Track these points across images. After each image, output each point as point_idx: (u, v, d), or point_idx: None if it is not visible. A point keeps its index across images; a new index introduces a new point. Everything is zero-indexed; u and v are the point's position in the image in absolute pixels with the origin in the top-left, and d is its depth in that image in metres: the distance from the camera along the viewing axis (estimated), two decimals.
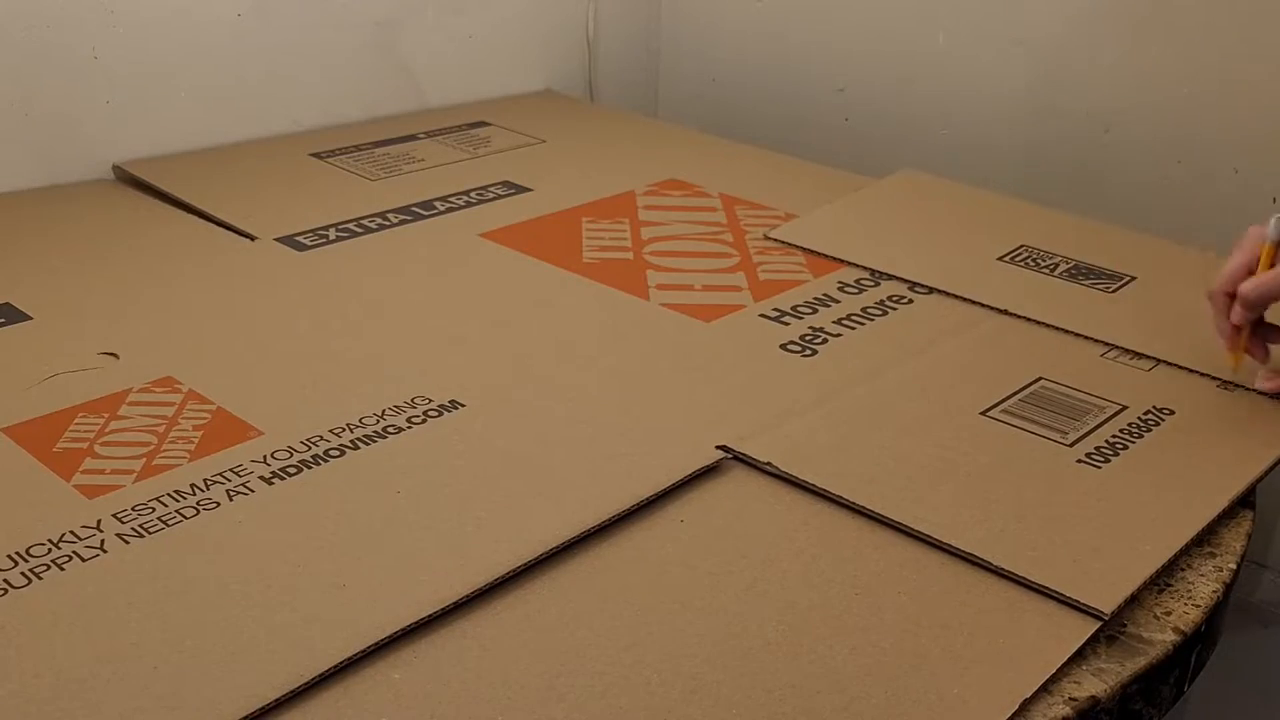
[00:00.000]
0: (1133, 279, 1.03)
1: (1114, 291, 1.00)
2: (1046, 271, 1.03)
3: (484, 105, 1.56)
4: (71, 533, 0.67)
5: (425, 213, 1.18)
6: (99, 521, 0.69)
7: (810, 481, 0.75)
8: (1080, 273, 1.04)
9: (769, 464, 0.76)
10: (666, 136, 1.48)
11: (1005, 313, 0.96)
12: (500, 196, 1.23)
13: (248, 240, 1.10)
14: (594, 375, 0.88)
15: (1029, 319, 0.96)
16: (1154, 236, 1.13)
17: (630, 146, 1.42)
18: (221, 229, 1.13)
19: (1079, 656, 0.62)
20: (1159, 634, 0.65)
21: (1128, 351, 0.91)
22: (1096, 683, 0.61)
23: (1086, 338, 0.93)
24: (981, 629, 0.63)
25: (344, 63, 1.43)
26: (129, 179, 1.24)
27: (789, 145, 1.49)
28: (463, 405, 0.82)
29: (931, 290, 1.01)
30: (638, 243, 1.12)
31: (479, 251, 1.09)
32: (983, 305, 0.98)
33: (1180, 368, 0.88)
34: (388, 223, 1.15)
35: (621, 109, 1.70)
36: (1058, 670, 0.61)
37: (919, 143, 1.51)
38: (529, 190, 1.25)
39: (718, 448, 0.78)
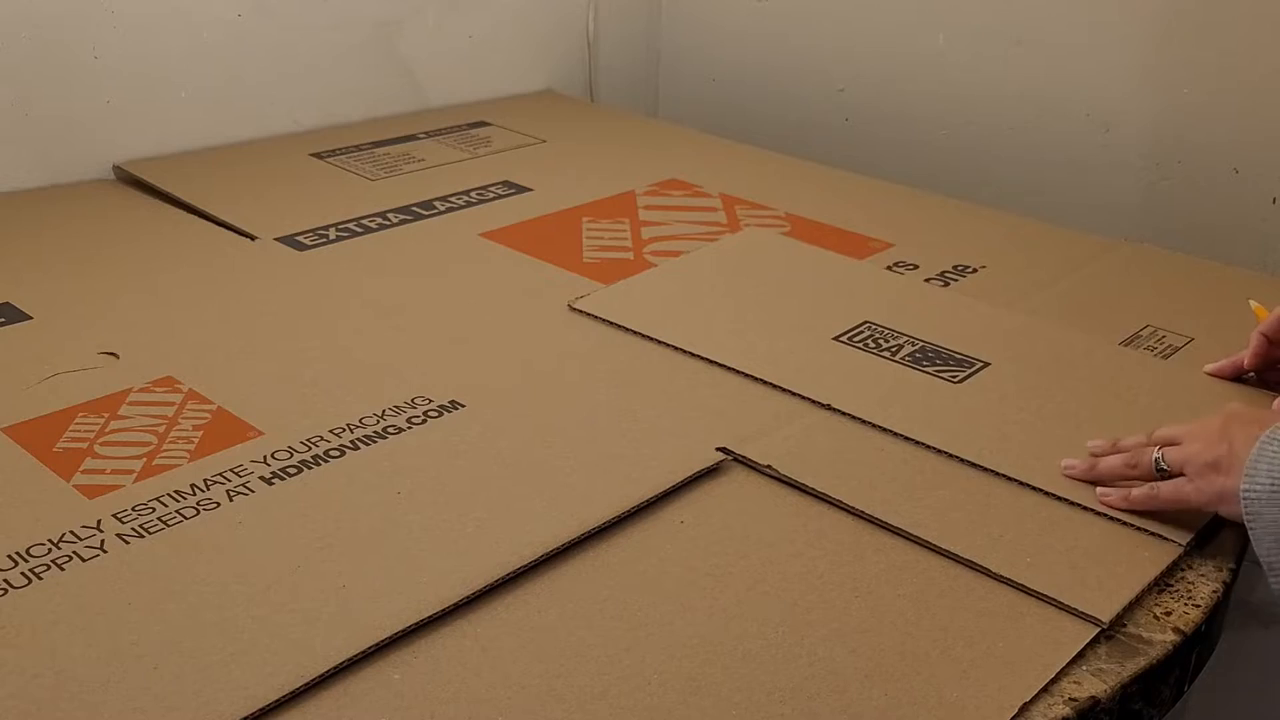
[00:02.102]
0: (985, 365, 0.89)
1: (960, 381, 0.87)
2: (887, 355, 0.90)
3: (484, 105, 1.56)
4: (71, 533, 0.67)
5: (425, 213, 1.18)
6: (99, 521, 0.69)
7: (810, 485, 0.75)
8: (925, 357, 0.90)
9: (769, 467, 0.76)
10: (666, 136, 1.48)
11: (828, 407, 0.84)
12: (500, 196, 1.23)
13: (248, 240, 1.10)
14: (594, 376, 0.88)
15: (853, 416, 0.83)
16: (1012, 311, 0.99)
17: (630, 146, 1.42)
18: (222, 229, 1.13)
19: (1079, 657, 0.62)
20: (1159, 634, 0.65)
21: (964, 462, 0.78)
22: (1096, 683, 0.61)
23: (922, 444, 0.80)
24: (981, 632, 0.63)
25: (344, 63, 1.43)
26: (129, 179, 1.24)
27: (789, 145, 1.49)
28: (463, 406, 0.82)
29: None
30: (638, 243, 1.12)
31: (479, 251, 1.09)
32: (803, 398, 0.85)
33: (1027, 485, 0.75)
34: (388, 223, 1.15)
35: (621, 109, 1.70)
36: (1058, 670, 0.61)
37: (919, 143, 1.51)
38: (529, 190, 1.25)
39: (718, 449, 0.78)
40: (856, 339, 0.93)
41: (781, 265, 1.07)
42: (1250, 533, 0.66)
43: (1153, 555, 0.70)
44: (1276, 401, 0.83)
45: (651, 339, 0.93)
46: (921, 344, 0.92)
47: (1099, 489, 0.74)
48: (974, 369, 0.88)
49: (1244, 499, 0.66)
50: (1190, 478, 0.70)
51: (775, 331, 0.94)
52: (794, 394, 0.85)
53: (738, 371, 0.88)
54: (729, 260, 1.09)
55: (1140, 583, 0.67)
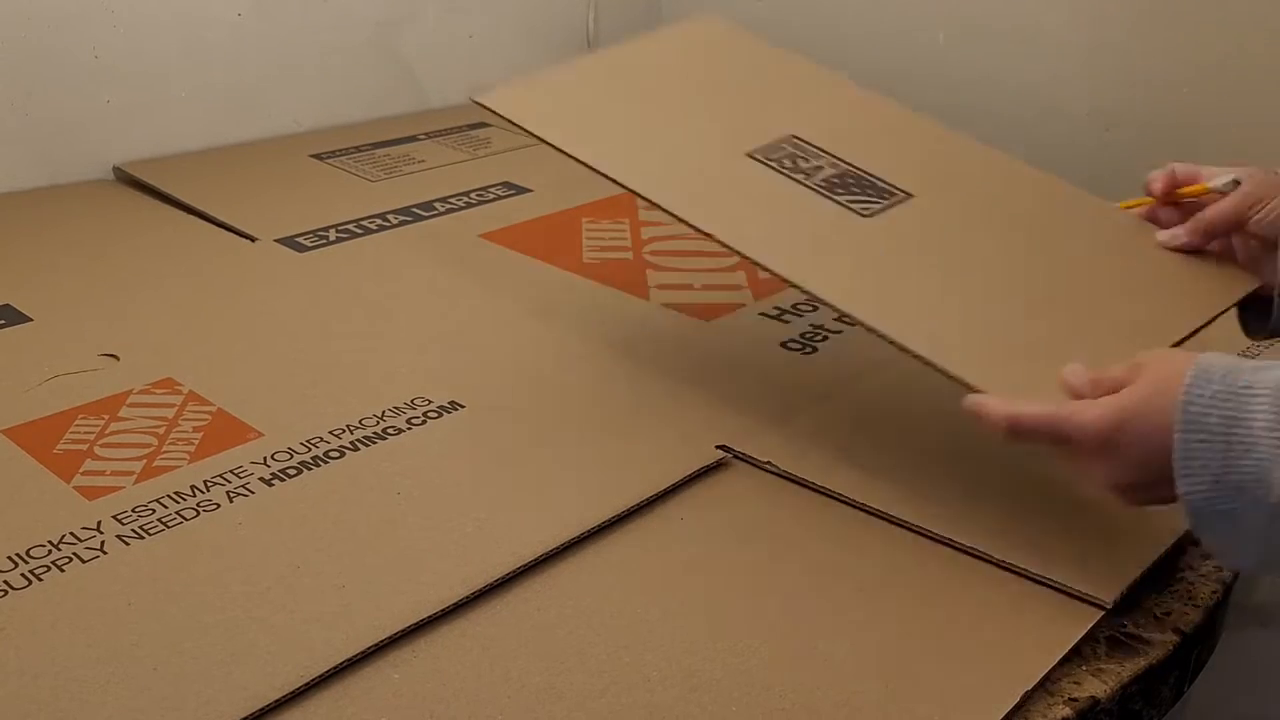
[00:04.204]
0: (907, 196, 0.79)
1: (870, 216, 0.77)
2: (800, 179, 0.79)
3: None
4: (71, 534, 0.67)
5: (425, 213, 1.18)
6: (99, 523, 0.69)
7: (810, 480, 0.75)
8: (841, 184, 0.79)
9: (769, 463, 0.76)
10: None
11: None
12: (500, 197, 1.23)
13: (248, 241, 1.10)
14: (594, 375, 0.88)
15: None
16: (975, 142, 0.88)
17: None
18: (221, 229, 1.13)
19: (1079, 657, 0.62)
20: (1159, 634, 0.65)
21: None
22: (1096, 683, 0.61)
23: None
24: (982, 624, 0.63)
25: (344, 63, 1.43)
26: (129, 179, 1.24)
27: None
28: (462, 406, 0.82)
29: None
30: (638, 242, 1.12)
31: (479, 252, 1.09)
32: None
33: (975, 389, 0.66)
34: (388, 223, 1.15)
35: None
36: (1058, 670, 0.61)
37: None
38: (529, 190, 1.25)
39: (718, 447, 0.78)
40: (773, 156, 0.81)
41: (721, 62, 0.93)
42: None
43: (1154, 538, 0.69)
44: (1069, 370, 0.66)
45: (550, 145, 0.82)
46: (844, 168, 0.81)
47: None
48: (892, 201, 0.79)
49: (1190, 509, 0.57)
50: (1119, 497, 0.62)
51: (689, 143, 0.83)
52: (683, 221, 0.75)
53: (634, 192, 0.78)
54: (665, 55, 0.93)
55: (1142, 564, 0.67)
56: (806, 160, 0.81)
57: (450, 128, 1.45)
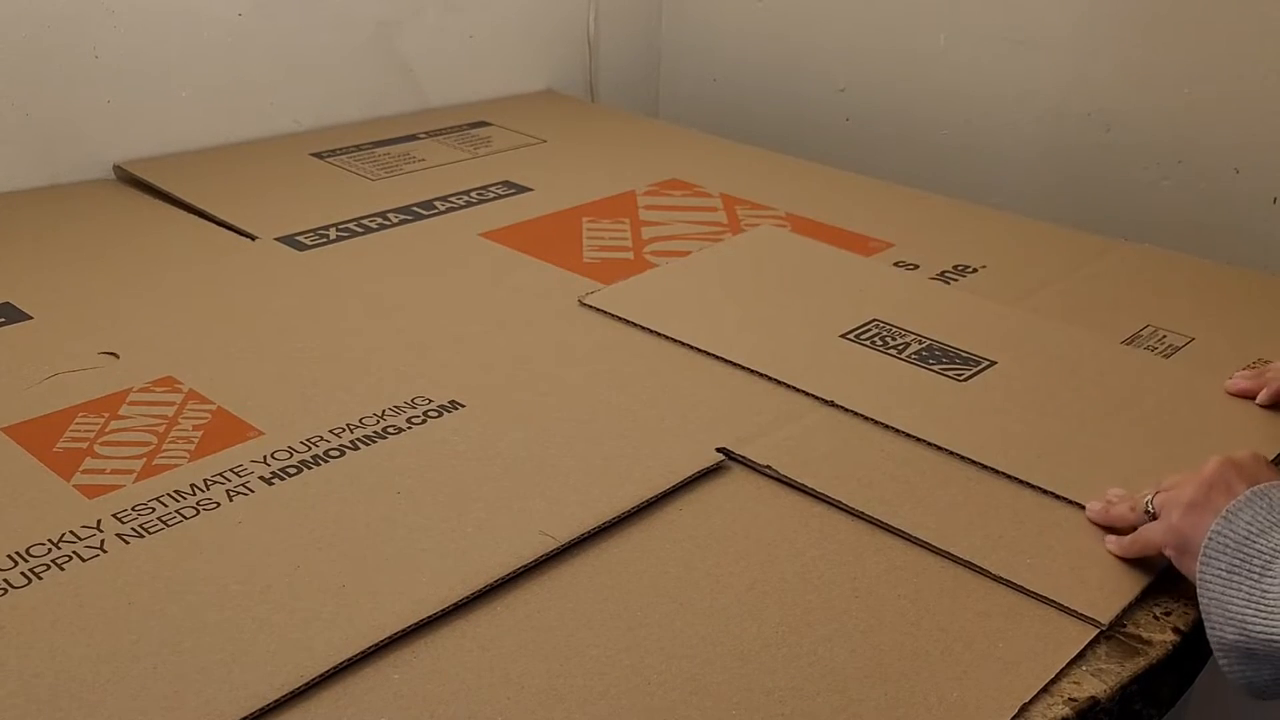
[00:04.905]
0: (991, 364, 0.89)
1: (966, 380, 0.87)
2: (894, 353, 0.90)
3: (484, 105, 1.56)
4: (71, 532, 0.67)
5: (425, 213, 1.18)
6: (99, 521, 0.69)
7: (809, 485, 0.75)
8: (932, 355, 0.90)
9: (768, 467, 0.76)
10: (667, 136, 1.48)
11: (833, 404, 0.84)
12: (500, 196, 1.23)
13: (248, 240, 1.10)
14: (594, 376, 0.88)
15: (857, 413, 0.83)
16: (1020, 309, 0.99)
17: (630, 146, 1.42)
18: (222, 229, 1.13)
19: (1079, 657, 0.62)
20: (1159, 634, 0.65)
21: (965, 460, 0.78)
22: (1096, 683, 0.61)
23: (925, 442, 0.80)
24: (980, 632, 0.63)
25: (344, 63, 1.43)
26: (130, 179, 1.24)
27: (789, 145, 1.49)
28: (463, 405, 0.82)
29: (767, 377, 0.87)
30: (638, 242, 1.12)
31: (479, 251, 1.09)
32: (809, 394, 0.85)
33: (1028, 485, 0.76)
34: (388, 222, 1.15)
35: (622, 109, 1.70)
36: (1057, 670, 0.61)
37: (919, 143, 1.51)
38: (529, 190, 1.25)
39: (717, 450, 0.78)
40: (864, 336, 0.93)
41: (792, 262, 1.07)
42: (1199, 574, 0.62)
43: (1153, 556, 0.70)
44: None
45: (659, 334, 0.93)
46: (929, 342, 0.92)
47: (1107, 537, 0.71)
48: (980, 367, 0.88)
49: (1206, 544, 0.62)
50: (1163, 519, 0.66)
51: (783, 328, 0.94)
52: (800, 391, 0.85)
53: (745, 368, 0.88)
54: (740, 257, 1.09)
55: (1140, 583, 0.67)
56: (894, 338, 0.92)
57: (450, 127, 1.45)
